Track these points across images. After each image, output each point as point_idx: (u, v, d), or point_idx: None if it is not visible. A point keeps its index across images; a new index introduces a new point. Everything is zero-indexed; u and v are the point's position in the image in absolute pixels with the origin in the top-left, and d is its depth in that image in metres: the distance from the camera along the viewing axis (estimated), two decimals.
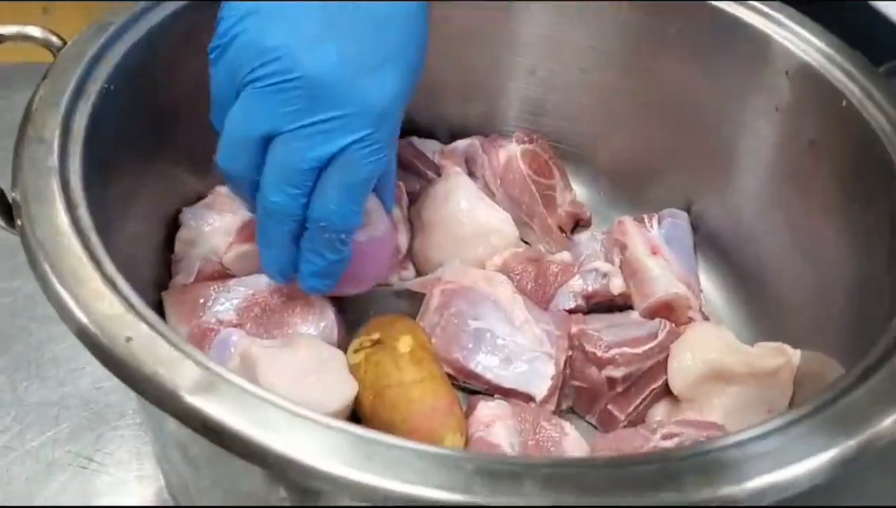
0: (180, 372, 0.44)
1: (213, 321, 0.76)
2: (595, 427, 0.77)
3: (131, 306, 0.48)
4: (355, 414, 0.71)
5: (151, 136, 0.74)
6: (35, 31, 0.66)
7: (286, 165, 0.60)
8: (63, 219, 0.53)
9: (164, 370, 0.44)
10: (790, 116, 0.78)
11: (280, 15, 0.59)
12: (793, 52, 0.76)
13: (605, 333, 0.77)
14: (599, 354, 0.75)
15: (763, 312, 0.84)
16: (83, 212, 0.55)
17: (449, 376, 0.74)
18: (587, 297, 0.80)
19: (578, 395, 0.77)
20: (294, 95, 0.58)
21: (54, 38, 0.66)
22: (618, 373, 0.74)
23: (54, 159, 0.56)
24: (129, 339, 0.45)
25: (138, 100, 0.70)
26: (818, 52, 0.75)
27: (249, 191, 0.65)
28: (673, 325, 0.78)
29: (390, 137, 0.64)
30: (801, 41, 0.76)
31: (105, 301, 0.48)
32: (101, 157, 0.64)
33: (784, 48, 0.76)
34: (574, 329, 0.77)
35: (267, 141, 0.61)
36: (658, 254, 0.84)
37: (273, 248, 0.67)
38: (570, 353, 0.75)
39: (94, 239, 0.53)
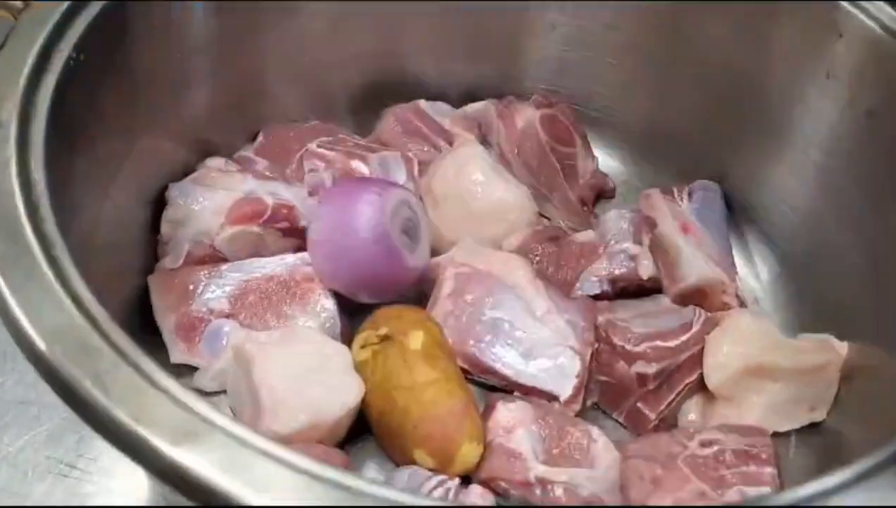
0: (158, 417, 0.37)
1: (204, 309, 0.70)
2: (622, 426, 0.71)
3: (100, 331, 0.41)
4: (361, 415, 0.65)
5: (130, 108, 0.67)
6: None
7: None
8: (23, 225, 0.45)
9: (140, 416, 0.37)
10: (844, 84, 0.70)
11: None
12: (849, 12, 0.67)
13: (634, 323, 0.70)
14: (629, 348, 0.68)
15: (805, 297, 0.77)
16: (46, 212, 0.47)
17: (463, 370, 0.68)
18: (613, 281, 0.73)
19: (604, 391, 0.70)
20: None
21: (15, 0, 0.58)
22: (649, 369, 0.68)
23: (11, 148, 0.49)
24: (96, 377, 0.38)
25: (113, 69, 0.63)
26: (880, 13, 0.66)
27: None
28: (708, 314, 0.71)
29: None
30: None
31: (67, 322, 0.41)
32: (69, 137, 0.57)
33: (839, 7, 0.68)
34: (600, 319, 0.70)
35: None
36: (689, 232, 0.77)
37: None
38: (596, 346, 0.69)
39: (60, 246, 0.45)
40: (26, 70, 0.53)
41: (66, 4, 0.57)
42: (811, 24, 0.70)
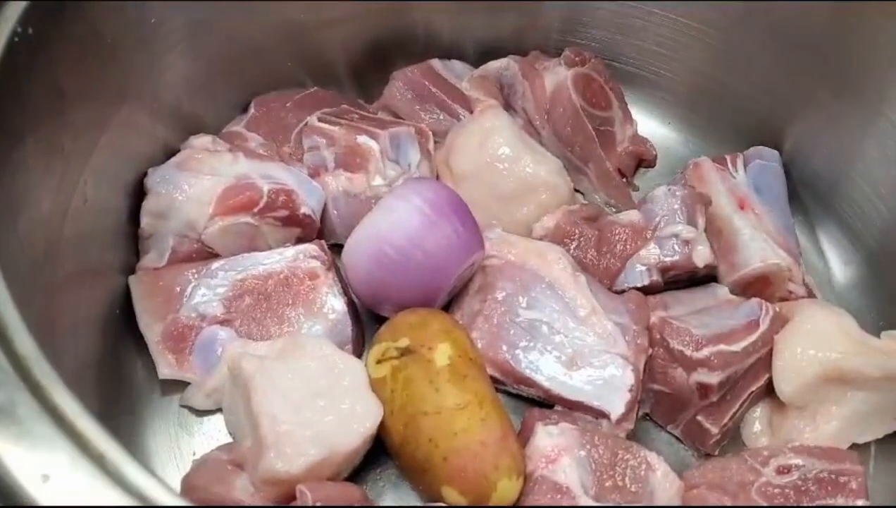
0: None
1: (194, 315, 0.62)
2: (677, 439, 0.62)
3: (48, 406, 0.31)
4: (379, 439, 0.55)
5: (96, 81, 0.58)
6: None
7: None
8: None
9: None
10: None
11: None
12: None
13: (692, 322, 0.61)
14: (689, 353, 0.59)
15: (883, 284, 0.68)
16: None
17: (494, 380, 0.59)
18: (664, 270, 0.64)
19: (658, 401, 0.62)
20: None
21: None
22: (713, 379, 0.59)
23: None
24: (46, 477, 0.29)
25: (71, 38, 0.53)
26: None
27: None
28: (776, 309, 0.61)
29: None
30: None
31: (8, 398, 0.31)
32: (19, 130, 0.48)
33: None
34: (653, 318, 0.61)
35: None
36: (747, 208, 0.67)
37: None
38: (650, 352, 0.59)
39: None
40: None
41: None
42: None
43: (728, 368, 0.59)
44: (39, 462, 0.30)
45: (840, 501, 0.52)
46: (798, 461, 0.54)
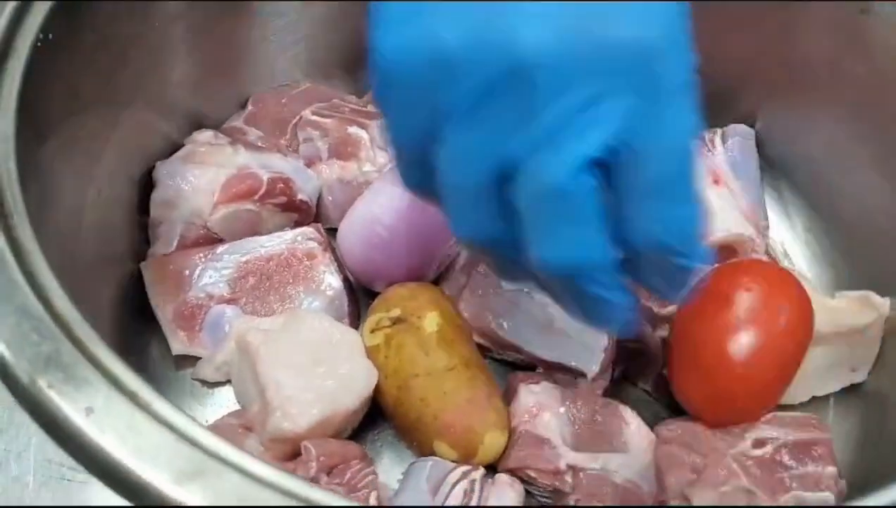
0: (159, 455, 0.33)
1: (203, 296, 0.65)
2: (649, 394, 0.66)
3: (91, 357, 0.37)
4: (376, 403, 0.61)
5: (109, 82, 0.62)
6: None
7: (558, 197, 0.38)
8: None
9: (139, 454, 0.33)
10: (880, 19, 0.64)
11: (443, 5, 0.38)
12: None
13: None
14: (656, 309, 0.64)
15: (838, 250, 0.72)
16: (21, 218, 0.42)
17: (480, 346, 0.64)
18: None
19: (631, 358, 0.66)
20: (517, 97, 0.37)
21: None
22: None
23: None
24: (89, 410, 0.34)
25: (86, 44, 0.58)
26: None
27: (512, 254, 0.43)
28: None
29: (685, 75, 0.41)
30: None
31: (52, 349, 0.36)
32: (44, 125, 0.53)
33: None
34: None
35: (506, 178, 0.39)
36: (720, 183, 0.72)
37: (613, 310, 0.44)
38: None
39: (39, 258, 0.41)
40: None
41: None
42: None
43: None
44: (83, 398, 0.35)
45: (810, 467, 0.55)
46: (772, 432, 0.56)
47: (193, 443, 0.34)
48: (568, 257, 0.40)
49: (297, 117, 0.74)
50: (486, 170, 0.39)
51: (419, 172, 0.43)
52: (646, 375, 0.67)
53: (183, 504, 0.33)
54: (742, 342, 0.56)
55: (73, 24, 0.54)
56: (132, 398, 0.35)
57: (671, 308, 0.64)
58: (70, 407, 0.35)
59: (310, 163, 0.72)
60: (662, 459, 0.56)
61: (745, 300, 0.57)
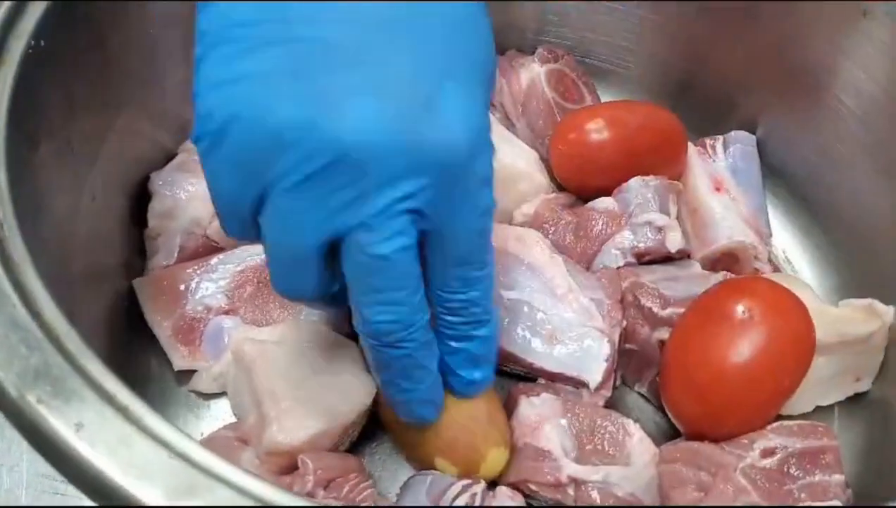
0: (151, 471, 0.32)
1: (200, 308, 0.65)
2: (645, 398, 0.66)
3: (81, 371, 0.36)
4: (374, 414, 0.60)
5: (102, 89, 0.61)
6: None
7: (379, 269, 0.44)
8: None
9: (129, 471, 0.32)
10: (881, 23, 0.64)
11: (276, 72, 0.41)
12: None
13: (663, 286, 0.65)
14: (656, 310, 0.63)
15: (840, 257, 0.72)
16: (11, 228, 0.41)
17: None
18: (638, 255, 0.68)
19: (628, 360, 0.65)
20: (343, 180, 0.41)
21: None
22: None
23: None
24: (79, 426, 0.33)
25: (79, 50, 0.57)
26: None
27: (331, 303, 0.51)
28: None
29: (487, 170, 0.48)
30: None
31: (41, 362, 0.35)
32: (35, 134, 0.51)
33: None
34: (626, 283, 0.65)
35: (333, 246, 0.45)
36: (722, 190, 0.71)
37: (423, 378, 0.52)
38: (624, 324, 0.63)
39: (29, 268, 0.40)
40: None
41: None
42: None
43: None
44: (72, 413, 0.34)
45: (818, 476, 0.54)
46: (779, 441, 0.56)
47: (186, 459, 0.33)
48: (390, 317, 0.46)
49: None
50: (314, 239, 0.44)
51: (240, 225, 0.46)
52: (642, 378, 0.66)
53: None
54: (735, 364, 0.56)
55: (67, 28, 0.54)
56: (123, 412, 0.35)
57: (669, 310, 0.63)
58: (59, 422, 0.34)
59: None
60: (666, 477, 0.55)
61: (740, 322, 0.57)
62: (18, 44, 0.50)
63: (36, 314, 0.38)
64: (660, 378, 0.63)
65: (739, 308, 0.57)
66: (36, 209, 0.50)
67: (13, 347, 0.36)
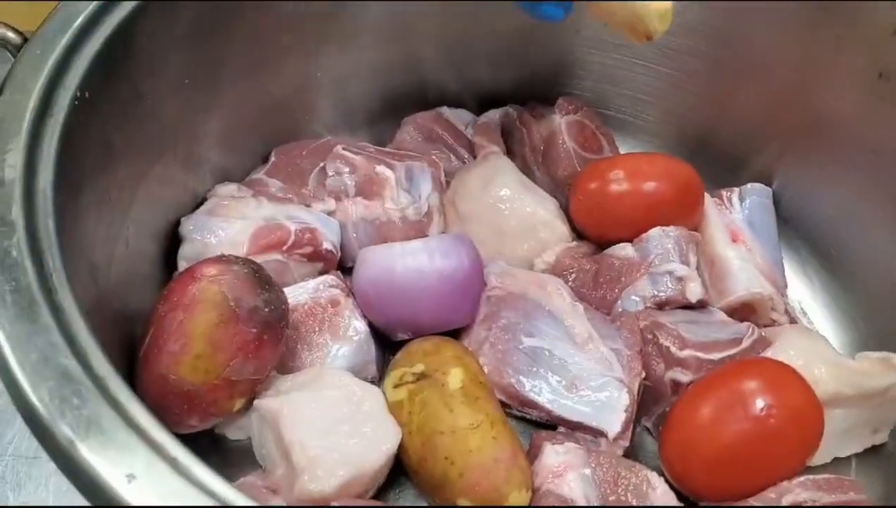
0: None
1: None
2: (649, 432, 0.67)
3: (133, 425, 0.37)
4: (397, 459, 0.61)
5: (139, 138, 0.63)
6: None
7: None
8: (37, 298, 0.41)
9: None
10: None
11: None
12: None
13: (682, 328, 0.66)
14: (673, 350, 0.65)
15: (856, 309, 0.73)
16: (59, 279, 0.43)
17: (500, 402, 0.64)
18: (658, 305, 0.69)
19: (643, 394, 0.66)
20: None
21: (11, 35, 0.54)
22: (684, 378, 0.64)
23: (17, 209, 0.44)
24: (131, 477, 0.34)
25: (120, 102, 0.58)
26: None
27: None
28: (762, 332, 0.67)
29: None
30: None
31: (93, 414, 0.37)
32: (78, 183, 0.53)
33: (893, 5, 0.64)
34: (644, 323, 0.66)
35: None
36: (739, 241, 0.73)
37: None
38: (643, 376, 0.64)
39: (76, 321, 0.41)
40: (28, 116, 0.49)
41: (67, 36, 0.53)
42: (863, 22, 0.65)
43: (700, 372, 0.64)
44: (124, 464, 0.35)
45: None
46: (807, 495, 0.57)
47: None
48: None
49: (318, 166, 0.75)
50: None
51: None
52: (650, 413, 0.67)
53: None
54: (714, 432, 0.59)
55: (109, 81, 0.55)
56: (172, 463, 0.36)
57: (687, 352, 0.65)
58: (111, 473, 0.35)
59: (337, 198, 0.72)
60: None
61: (732, 399, 0.59)
62: (66, 95, 0.51)
63: (87, 367, 0.39)
64: (661, 442, 0.63)
65: (737, 386, 0.59)
66: (80, 255, 0.51)
67: (66, 399, 0.37)
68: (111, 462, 0.35)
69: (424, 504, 0.62)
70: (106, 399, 0.37)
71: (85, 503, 0.36)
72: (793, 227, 0.78)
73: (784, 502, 0.56)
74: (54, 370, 0.38)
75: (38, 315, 0.40)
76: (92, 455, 0.36)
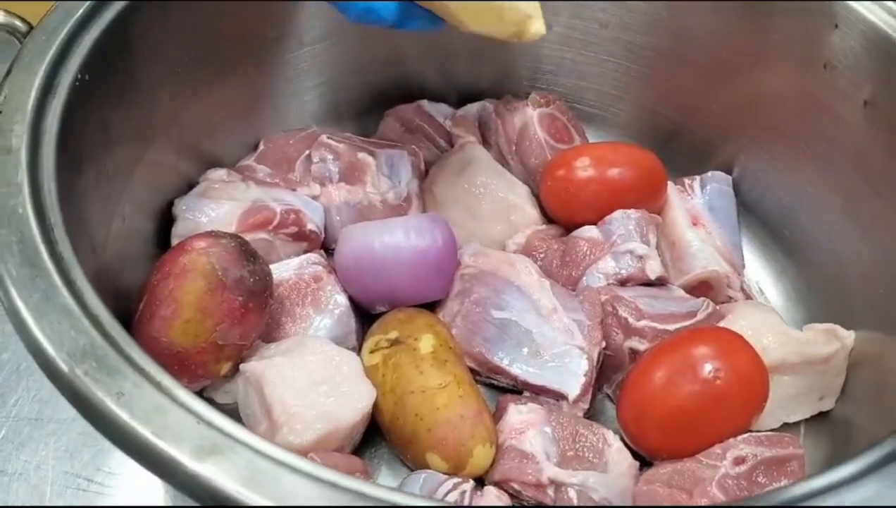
0: (182, 434, 0.38)
1: None
2: (610, 399, 0.71)
3: (121, 352, 0.42)
4: (372, 422, 0.65)
5: (135, 122, 0.67)
6: None
7: None
8: (40, 248, 0.46)
9: (163, 433, 0.38)
10: (841, 74, 0.70)
11: None
12: (844, 2, 0.68)
13: (641, 302, 0.71)
14: (631, 321, 0.69)
15: (809, 288, 0.77)
16: (60, 234, 0.48)
17: (471, 370, 0.68)
18: (620, 282, 0.73)
19: (604, 363, 0.70)
20: None
21: (18, 23, 0.59)
22: (641, 347, 0.69)
23: (23, 173, 0.49)
24: (119, 395, 0.39)
25: (117, 86, 0.63)
26: (876, 3, 0.67)
27: None
28: (716, 306, 0.72)
29: None
30: None
31: (87, 343, 0.42)
32: (78, 156, 0.58)
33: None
34: (605, 296, 0.71)
35: None
36: (699, 225, 0.77)
37: None
38: (603, 345, 0.69)
39: (75, 267, 0.46)
40: (34, 93, 0.54)
41: (69, 26, 0.58)
42: (806, 14, 0.70)
43: (656, 341, 0.68)
44: (115, 385, 0.40)
45: (784, 483, 0.60)
46: (749, 450, 0.61)
47: (211, 425, 0.39)
48: None
49: (304, 154, 0.80)
50: None
51: None
52: (611, 381, 0.71)
53: (203, 476, 0.37)
54: (666, 395, 0.63)
55: (107, 66, 0.60)
56: (157, 385, 0.40)
57: (644, 322, 0.69)
58: (103, 392, 0.40)
59: (321, 183, 0.77)
60: (640, 498, 0.60)
61: (683, 364, 0.64)
62: (67, 77, 0.56)
63: (83, 305, 0.44)
64: (618, 404, 0.68)
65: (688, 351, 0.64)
66: (81, 230, 0.55)
67: (64, 331, 0.42)
68: (103, 384, 0.40)
69: (398, 465, 0.66)
70: (99, 331, 0.42)
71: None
72: (752, 212, 0.82)
73: (728, 456, 0.61)
74: (55, 307, 0.43)
75: (41, 262, 0.45)
76: (87, 378, 0.40)
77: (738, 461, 0.61)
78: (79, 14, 0.59)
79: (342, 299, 0.70)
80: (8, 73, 0.55)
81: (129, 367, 0.41)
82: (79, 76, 0.57)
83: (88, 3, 0.60)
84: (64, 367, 0.41)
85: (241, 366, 0.65)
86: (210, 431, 0.39)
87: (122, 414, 0.39)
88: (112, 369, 0.41)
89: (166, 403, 0.40)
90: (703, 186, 0.81)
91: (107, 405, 0.39)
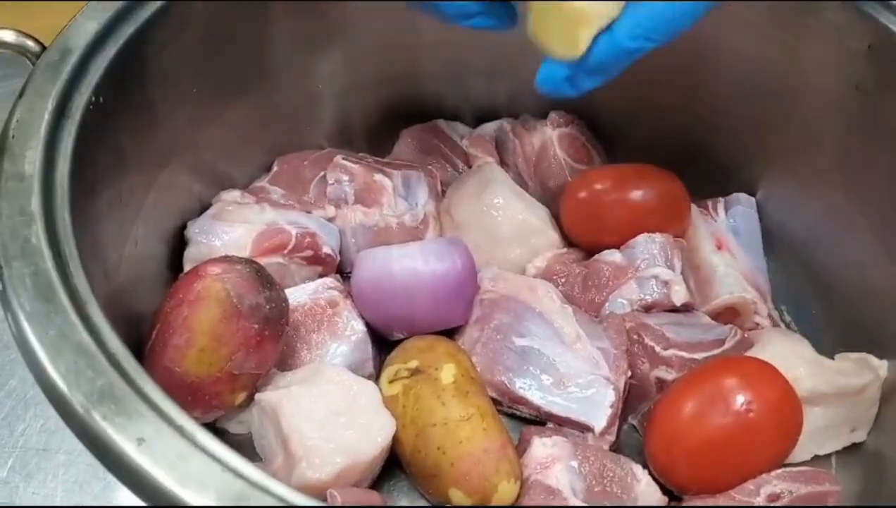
0: (205, 482, 0.36)
1: None
2: (635, 429, 0.69)
3: (141, 394, 0.40)
4: (391, 453, 0.63)
5: (149, 145, 0.66)
6: (8, 35, 0.57)
7: None
8: (54, 281, 0.44)
9: (186, 482, 0.36)
10: (872, 95, 0.68)
11: None
12: (878, 22, 0.66)
13: (667, 329, 0.69)
14: (658, 349, 0.68)
15: (836, 314, 0.75)
16: (75, 266, 0.46)
17: (493, 400, 0.66)
18: (645, 308, 0.71)
19: (630, 393, 0.69)
20: None
21: (31, 43, 0.57)
22: (668, 376, 0.67)
23: (36, 201, 0.47)
24: (140, 441, 0.37)
25: (131, 108, 0.62)
26: None
27: None
28: (744, 334, 0.70)
29: None
30: (888, 10, 0.66)
31: (106, 384, 0.40)
32: (92, 180, 0.56)
33: (868, 17, 0.66)
34: (630, 324, 0.69)
35: None
36: (724, 248, 0.76)
37: None
38: (628, 374, 0.67)
39: (91, 301, 0.44)
40: (47, 117, 0.52)
41: (83, 46, 0.56)
42: (839, 35, 0.68)
43: (684, 371, 0.67)
44: (135, 429, 0.38)
45: None
46: (784, 486, 0.59)
47: (236, 473, 0.37)
48: None
49: (319, 175, 0.78)
50: None
51: None
52: (636, 411, 0.69)
53: None
54: (696, 426, 0.61)
55: (122, 89, 0.59)
56: (180, 430, 0.38)
57: (671, 352, 0.67)
58: (122, 438, 0.38)
59: (336, 205, 0.76)
60: None
61: (714, 395, 0.61)
62: (81, 100, 0.54)
63: (100, 343, 0.42)
64: (646, 435, 0.66)
65: (718, 382, 0.62)
66: (94, 255, 0.54)
67: (81, 371, 0.40)
68: (122, 428, 0.38)
69: (418, 500, 0.64)
70: (118, 372, 0.40)
71: (89, 504, 0.38)
72: (777, 235, 0.80)
73: (762, 493, 0.59)
74: (70, 345, 0.41)
75: (55, 296, 0.43)
76: (105, 422, 0.38)
77: (773, 497, 0.59)
78: (93, 34, 0.57)
79: (359, 326, 0.68)
80: (20, 95, 0.53)
81: (150, 409, 0.39)
82: (93, 98, 0.55)
83: (102, 22, 0.58)
84: (80, 409, 0.39)
85: (257, 396, 0.63)
86: (234, 479, 0.37)
87: (144, 462, 0.37)
88: (132, 412, 0.39)
89: (189, 449, 0.38)
90: (726, 209, 0.79)
91: (126, 452, 0.37)
